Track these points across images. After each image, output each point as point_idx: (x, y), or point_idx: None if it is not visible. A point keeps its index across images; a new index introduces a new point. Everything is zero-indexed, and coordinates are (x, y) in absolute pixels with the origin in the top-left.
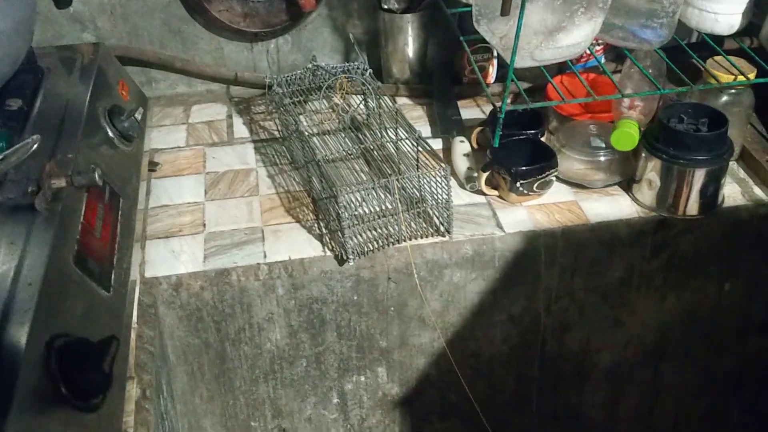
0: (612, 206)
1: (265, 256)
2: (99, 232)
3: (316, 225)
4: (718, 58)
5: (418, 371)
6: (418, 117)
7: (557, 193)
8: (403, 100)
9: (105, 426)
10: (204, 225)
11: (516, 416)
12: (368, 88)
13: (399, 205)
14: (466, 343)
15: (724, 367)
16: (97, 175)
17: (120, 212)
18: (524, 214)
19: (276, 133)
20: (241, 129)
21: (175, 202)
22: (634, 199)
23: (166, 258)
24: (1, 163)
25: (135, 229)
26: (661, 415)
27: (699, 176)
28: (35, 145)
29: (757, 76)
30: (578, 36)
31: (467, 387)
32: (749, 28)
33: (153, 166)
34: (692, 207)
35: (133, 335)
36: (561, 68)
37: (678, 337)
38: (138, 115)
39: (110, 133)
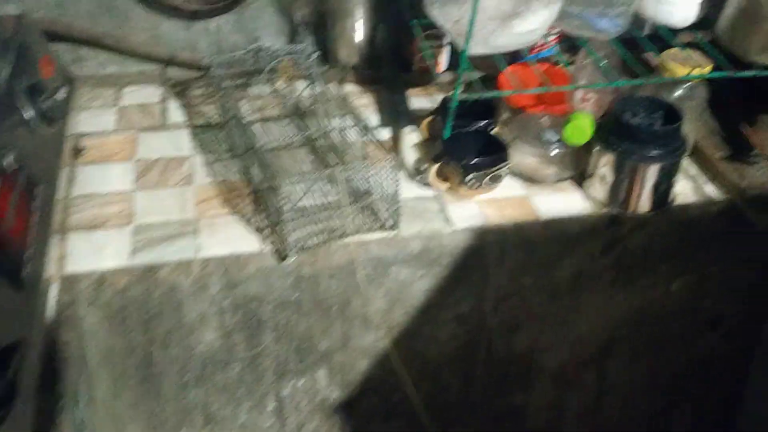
0: (564, 202)
1: (198, 251)
2: (10, 223)
3: (255, 218)
4: (673, 50)
5: (360, 374)
6: (365, 105)
7: (508, 187)
8: (350, 87)
9: None
10: (132, 216)
11: (461, 417)
12: (314, 73)
13: (344, 197)
14: (411, 343)
15: (671, 366)
16: (9, 160)
17: (36, 201)
18: (474, 209)
19: (214, 118)
20: (176, 113)
21: (101, 191)
22: (587, 195)
23: (89, 252)
24: None
25: (54, 220)
26: (608, 415)
27: (652, 172)
28: None
29: (712, 70)
30: (535, 22)
31: (413, 387)
32: (704, 21)
33: (78, 151)
34: (644, 204)
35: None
36: (514, 58)
37: (625, 336)
38: (61, 95)
39: (28, 114)
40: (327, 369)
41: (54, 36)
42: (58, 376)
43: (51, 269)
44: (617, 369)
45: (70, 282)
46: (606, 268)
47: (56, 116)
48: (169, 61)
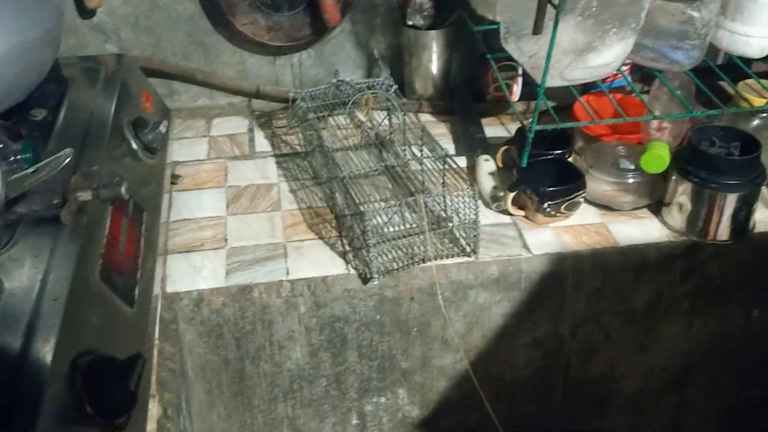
0: (641, 229)
1: (287, 273)
2: (123, 246)
3: (339, 242)
4: (749, 81)
5: (438, 393)
6: (440, 134)
7: (585, 214)
8: (425, 117)
9: None
10: (226, 240)
11: None
12: (393, 104)
13: (425, 223)
14: (488, 365)
15: (748, 396)
16: (123, 189)
17: (144, 226)
18: (551, 236)
19: (298, 147)
20: (262, 143)
21: (197, 216)
22: (664, 223)
23: (188, 273)
24: (32, 176)
25: (158, 243)
26: None
27: (731, 201)
28: (68, 159)
29: None
30: (609, 56)
31: (490, 410)
32: None
33: (175, 179)
34: (723, 232)
35: (154, 352)
36: (587, 87)
37: (703, 365)
38: (162, 128)
39: (134, 146)
40: (407, 387)
41: (150, 72)
42: (165, 387)
43: (156, 289)
44: (695, 398)
45: (171, 300)
46: (684, 296)
47: (158, 147)
48: (255, 95)
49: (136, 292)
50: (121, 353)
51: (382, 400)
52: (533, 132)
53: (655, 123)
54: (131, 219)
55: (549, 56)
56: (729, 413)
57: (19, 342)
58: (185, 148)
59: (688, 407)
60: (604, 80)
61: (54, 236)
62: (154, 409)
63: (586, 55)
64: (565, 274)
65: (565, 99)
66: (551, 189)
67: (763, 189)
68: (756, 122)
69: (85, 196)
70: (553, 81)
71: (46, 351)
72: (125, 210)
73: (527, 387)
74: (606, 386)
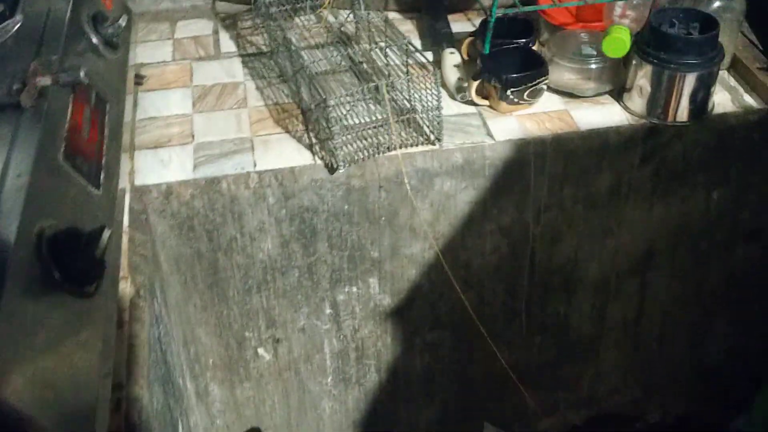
0: (603, 114)
1: (255, 165)
2: (87, 134)
3: (305, 135)
4: None
5: (409, 282)
6: (407, 31)
7: (548, 102)
8: (392, 15)
9: (100, 315)
10: (193, 136)
11: (505, 327)
12: (357, 0)
13: (389, 110)
14: (456, 253)
15: (710, 277)
16: (82, 73)
17: (107, 116)
18: (514, 123)
19: (264, 47)
20: (227, 44)
21: (163, 114)
22: (625, 107)
23: (156, 167)
24: None
25: (122, 137)
26: (647, 326)
27: (689, 81)
28: (17, 26)
29: None
30: None
31: (464, 294)
32: None
33: (139, 79)
34: (682, 113)
35: (125, 239)
36: None
37: (665, 247)
38: (122, 22)
39: (95, 40)
40: (378, 277)
41: None
42: (137, 270)
43: (124, 181)
44: (658, 280)
45: (141, 193)
46: (645, 179)
47: (119, 42)
48: None
49: (102, 176)
50: (88, 227)
51: (354, 289)
52: (494, 16)
53: (618, 10)
54: (94, 110)
55: None
56: (691, 296)
57: None
58: (149, 51)
59: (652, 291)
60: None
61: (15, 121)
62: (127, 289)
63: None
64: (528, 160)
65: None
66: (514, 76)
67: (722, 72)
68: (716, 4)
69: (45, 81)
70: None
71: (10, 221)
72: (87, 99)
73: (494, 274)
74: (571, 271)
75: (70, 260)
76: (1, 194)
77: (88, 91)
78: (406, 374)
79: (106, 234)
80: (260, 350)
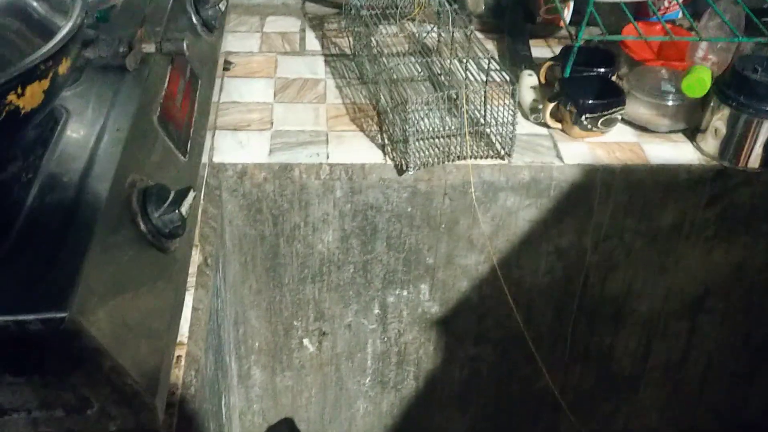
0: (674, 152)
1: (327, 157)
2: (179, 103)
3: (379, 136)
4: None
5: (459, 293)
6: (488, 50)
7: (620, 133)
8: (475, 34)
9: (175, 271)
10: (271, 123)
11: (548, 350)
12: (443, 16)
13: (465, 119)
14: (509, 270)
15: (760, 330)
16: (185, 44)
17: (198, 92)
18: (585, 149)
19: (347, 50)
20: (313, 42)
21: (246, 100)
22: (697, 147)
23: (234, 147)
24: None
25: (209, 113)
26: (691, 369)
27: (766, 127)
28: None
29: None
30: None
31: (516, 312)
32: None
33: (227, 65)
34: (755, 159)
35: (199, 210)
36: (639, 17)
37: (719, 292)
38: (222, 6)
39: (194, 20)
40: (430, 284)
41: None
42: (207, 240)
43: (204, 156)
44: (707, 325)
45: (217, 170)
46: (709, 221)
47: (216, 25)
48: None
49: (189, 145)
50: (179, 185)
51: (405, 293)
52: (580, 38)
53: (700, 52)
54: (188, 81)
55: None
56: (739, 345)
57: (83, 163)
58: (238, 41)
59: (700, 334)
60: (657, 11)
61: (118, 81)
62: (196, 256)
63: None
64: (594, 186)
65: (615, 25)
66: (591, 102)
67: None
68: None
69: (149, 47)
70: None
71: (107, 171)
72: (183, 72)
73: (545, 295)
74: (622, 304)
75: (157, 214)
76: (101, 144)
77: (184, 64)
78: (443, 385)
79: (191, 195)
80: (305, 341)
